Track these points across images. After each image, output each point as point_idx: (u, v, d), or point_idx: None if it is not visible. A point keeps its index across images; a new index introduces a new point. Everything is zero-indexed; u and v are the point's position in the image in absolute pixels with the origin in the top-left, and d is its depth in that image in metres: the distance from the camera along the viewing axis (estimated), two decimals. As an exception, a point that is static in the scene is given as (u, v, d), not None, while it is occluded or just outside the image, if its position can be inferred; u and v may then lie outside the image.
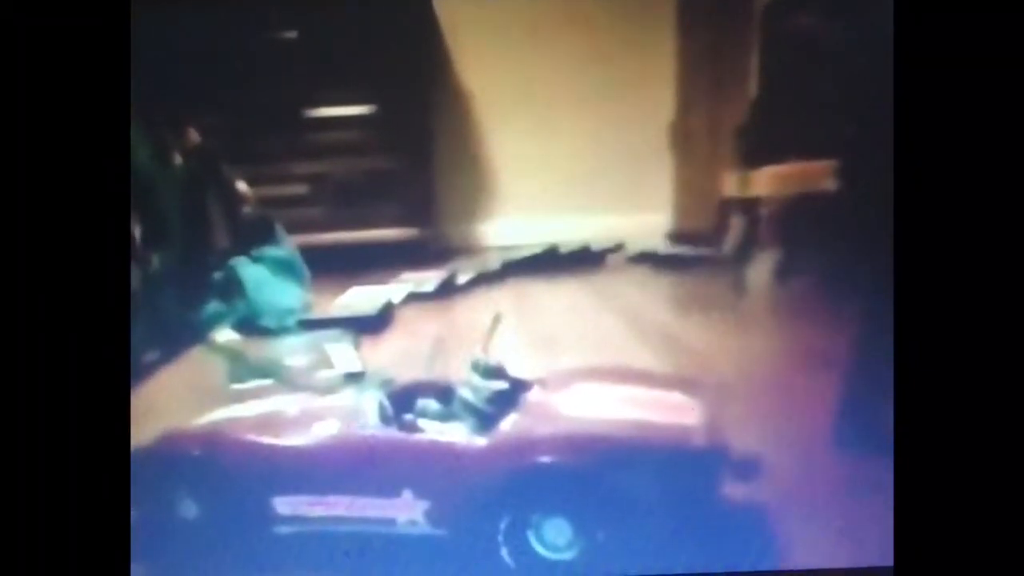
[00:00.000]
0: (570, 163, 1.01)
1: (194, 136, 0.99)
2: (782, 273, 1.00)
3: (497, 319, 1.02)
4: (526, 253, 1.02)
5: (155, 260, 1.00)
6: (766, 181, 0.99)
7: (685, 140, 1.00)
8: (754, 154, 0.99)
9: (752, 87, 0.99)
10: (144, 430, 1.01)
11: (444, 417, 1.03)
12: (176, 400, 1.02)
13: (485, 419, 1.02)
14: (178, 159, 1.00)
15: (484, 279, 1.03)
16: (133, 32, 0.86)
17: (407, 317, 1.04)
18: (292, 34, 0.98)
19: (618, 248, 1.02)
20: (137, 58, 0.90)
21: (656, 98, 1.00)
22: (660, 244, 1.01)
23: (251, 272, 1.02)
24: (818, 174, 0.98)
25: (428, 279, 1.03)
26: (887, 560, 0.75)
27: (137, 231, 0.99)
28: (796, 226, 1.00)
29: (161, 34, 0.96)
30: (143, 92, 0.96)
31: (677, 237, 1.01)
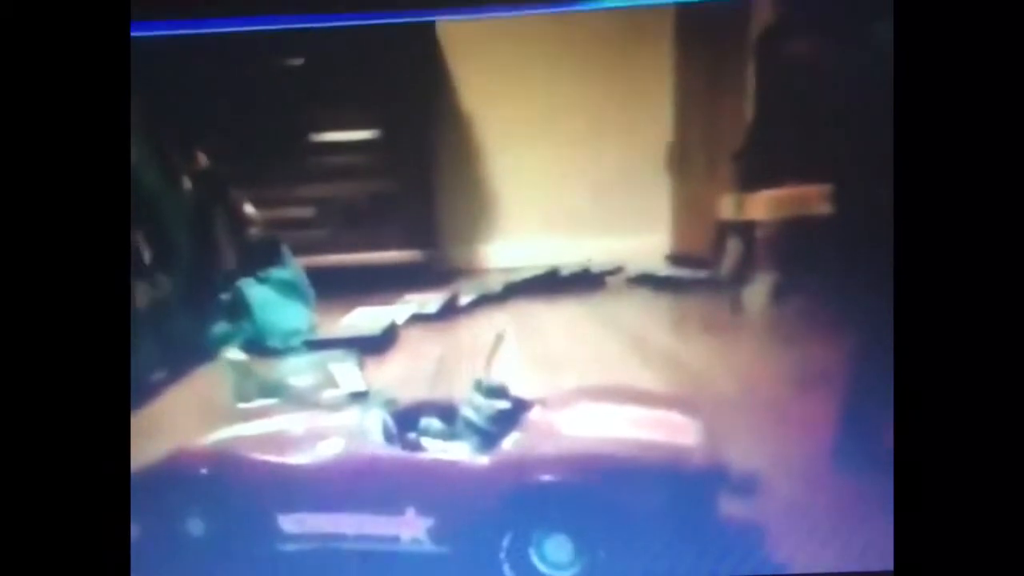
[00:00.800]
0: (570, 186, 1.02)
1: (202, 160, 1.01)
2: (779, 294, 1.02)
3: (499, 339, 1.03)
4: (527, 275, 1.04)
5: (163, 281, 1.02)
6: (763, 204, 1.00)
7: (683, 163, 1.01)
8: (751, 177, 1.01)
9: (749, 110, 1.00)
10: (152, 448, 1.02)
11: (447, 436, 1.04)
12: (183, 419, 1.04)
13: (487, 438, 1.03)
14: (187, 183, 1.02)
15: (486, 300, 1.04)
16: (141, 56, 0.87)
17: (410, 337, 1.05)
18: (298, 60, 1.00)
19: (618, 270, 1.03)
20: (145, 82, 0.92)
21: (654, 121, 1.01)
22: (659, 266, 1.03)
23: (257, 293, 1.04)
24: (815, 197, 1.00)
25: (431, 300, 1.04)
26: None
27: (145, 252, 1.01)
28: (793, 248, 1.01)
29: (169, 59, 0.98)
30: (151, 116, 0.98)
31: (676, 259, 1.02)
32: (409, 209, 1.04)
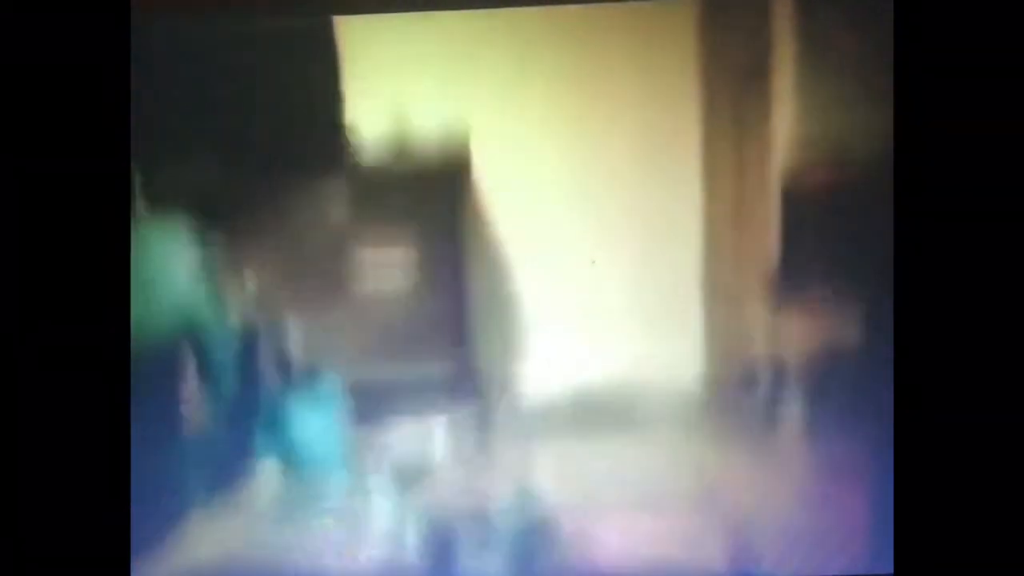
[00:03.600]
0: (605, 305, 1.04)
1: (250, 285, 1.04)
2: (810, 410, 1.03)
3: (530, 454, 1.05)
4: (559, 393, 1.05)
5: (205, 400, 1.05)
6: (795, 330, 1.03)
7: (715, 286, 1.03)
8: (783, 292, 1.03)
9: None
10: (197, 558, 1.04)
11: (479, 548, 1.06)
12: (224, 531, 1.05)
13: (519, 552, 1.04)
14: (234, 308, 1.04)
15: (519, 417, 1.06)
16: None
17: (445, 452, 1.07)
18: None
19: (647, 384, 1.05)
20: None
21: (686, 242, 1.04)
22: (692, 384, 1.04)
23: (296, 410, 1.06)
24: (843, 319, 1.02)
25: (465, 416, 1.06)
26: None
27: (193, 374, 1.04)
28: (826, 374, 1.03)
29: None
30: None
31: (708, 379, 1.04)
32: (443, 323, 1.06)
